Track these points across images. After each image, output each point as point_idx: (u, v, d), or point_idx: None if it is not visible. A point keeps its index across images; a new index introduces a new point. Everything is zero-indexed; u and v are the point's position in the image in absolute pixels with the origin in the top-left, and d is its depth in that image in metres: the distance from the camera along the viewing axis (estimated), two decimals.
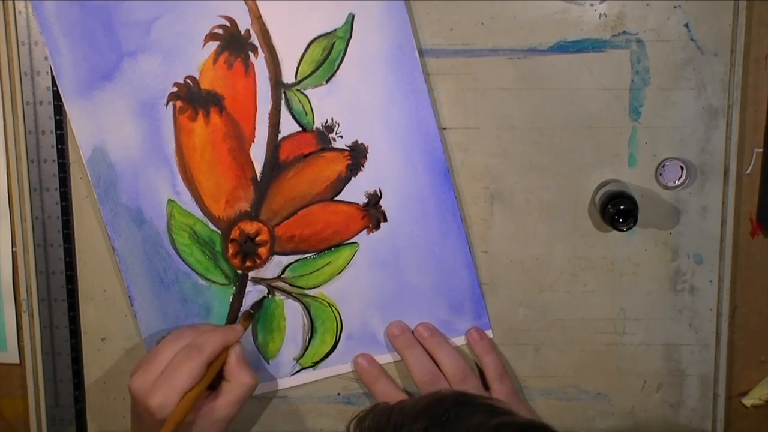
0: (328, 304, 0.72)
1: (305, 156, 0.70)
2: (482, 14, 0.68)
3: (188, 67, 0.69)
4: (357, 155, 0.69)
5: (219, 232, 0.71)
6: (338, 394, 0.74)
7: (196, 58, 0.69)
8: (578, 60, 0.69)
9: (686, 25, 0.68)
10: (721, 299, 0.72)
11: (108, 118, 0.70)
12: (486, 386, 0.72)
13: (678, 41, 0.68)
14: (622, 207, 0.66)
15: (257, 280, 0.72)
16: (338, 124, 0.69)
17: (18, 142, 0.71)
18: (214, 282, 0.72)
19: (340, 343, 0.72)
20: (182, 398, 0.63)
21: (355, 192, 0.70)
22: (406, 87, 0.68)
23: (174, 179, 0.70)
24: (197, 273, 0.72)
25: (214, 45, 0.68)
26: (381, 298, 0.72)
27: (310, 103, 0.69)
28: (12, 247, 0.73)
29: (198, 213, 0.71)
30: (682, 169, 0.70)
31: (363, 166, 0.70)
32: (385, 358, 0.73)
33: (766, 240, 0.72)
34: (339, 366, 0.73)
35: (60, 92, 0.70)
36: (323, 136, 0.69)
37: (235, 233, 0.71)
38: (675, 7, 0.68)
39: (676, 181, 0.70)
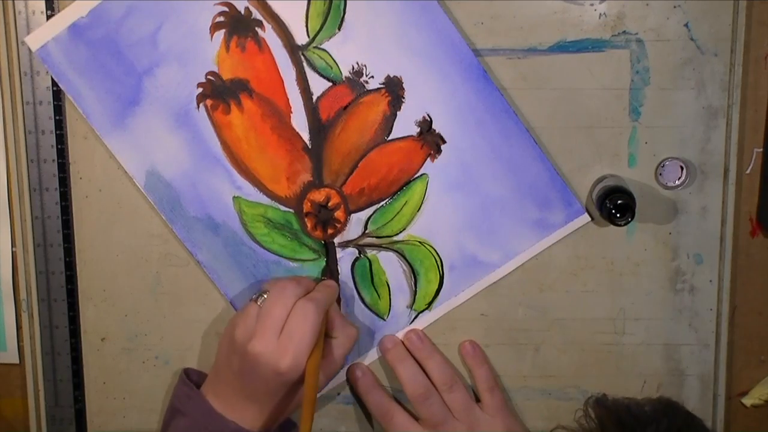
0: (420, 242, 0.71)
1: (345, 108, 0.69)
2: (482, 14, 0.68)
3: (205, 64, 0.69)
4: (394, 89, 0.68)
5: (291, 210, 0.71)
6: (338, 394, 0.74)
7: (210, 53, 0.68)
8: (578, 60, 0.69)
9: (686, 25, 0.68)
10: (721, 299, 0.72)
11: (149, 141, 0.70)
12: (477, 398, 0.72)
13: (678, 41, 0.68)
14: (619, 202, 0.65)
15: (344, 244, 0.71)
16: (365, 66, 0.68)
17: (18, 142, 0.71)
18: (304, 260, 0.72)
19: (445, 277, 0.71)
20: (310, 356, 0.62)
21: (405, 125, 0.69)
22: (417, 5, 0.67)
23: (231, 176, 0.70)
24: (285, 258, 0.72)
25: (221, 34, 0.68)
26: (468, 219, 0.70)
27: (330, 55, 0.68)
28: (12, 247, 0.73)
29: (265, 200, 0.71)
30: (682, 169, 0.70)
31: (403, 98, 0.69)
32: (495, 275, 0.71)
33: (766, 240, 0.72)
34: (452, 299, 0.72)
35: (96, 131, 0.70)
36: (355, 82, 0.69)
37: (307, 206, 0.71)
38: (675, 6, 0.68)
39: (676, 181, 0.70)
